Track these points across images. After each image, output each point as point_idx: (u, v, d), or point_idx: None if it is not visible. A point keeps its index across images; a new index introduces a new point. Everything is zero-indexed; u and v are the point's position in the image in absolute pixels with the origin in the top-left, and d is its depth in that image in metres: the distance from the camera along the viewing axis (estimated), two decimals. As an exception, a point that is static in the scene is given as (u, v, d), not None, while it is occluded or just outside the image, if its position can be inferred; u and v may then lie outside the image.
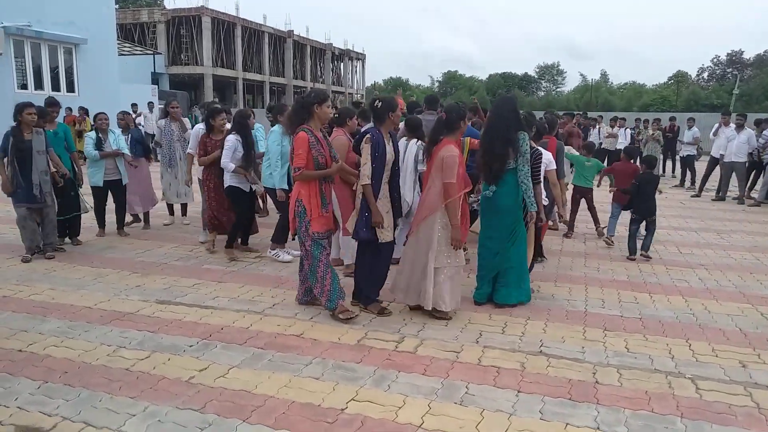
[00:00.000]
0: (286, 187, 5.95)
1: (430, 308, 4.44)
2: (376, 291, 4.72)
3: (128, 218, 7.76)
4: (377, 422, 3.03)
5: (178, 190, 7.78)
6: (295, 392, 3.32)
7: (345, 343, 4.04)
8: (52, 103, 6.79)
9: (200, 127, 6.76)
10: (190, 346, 3.93)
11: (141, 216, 7.89)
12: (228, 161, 6.00)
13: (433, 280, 4.38)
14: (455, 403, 3.23)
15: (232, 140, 6.05)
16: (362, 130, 5.42)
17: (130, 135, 7.56)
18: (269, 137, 6.17)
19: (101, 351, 3.83)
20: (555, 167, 5.98)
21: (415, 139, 5.70)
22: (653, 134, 14.45)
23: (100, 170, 7.02)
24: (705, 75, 71.39)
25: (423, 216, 4.45)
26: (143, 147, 7.68)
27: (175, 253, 6.45)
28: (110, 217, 7.37)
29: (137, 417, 3.03)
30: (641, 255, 6.56)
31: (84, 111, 15.17)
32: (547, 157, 5.68)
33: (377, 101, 4.56)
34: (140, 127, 9.28)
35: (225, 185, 6.18)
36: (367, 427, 2.98)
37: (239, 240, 6.53)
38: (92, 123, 9.44)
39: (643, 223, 6.73)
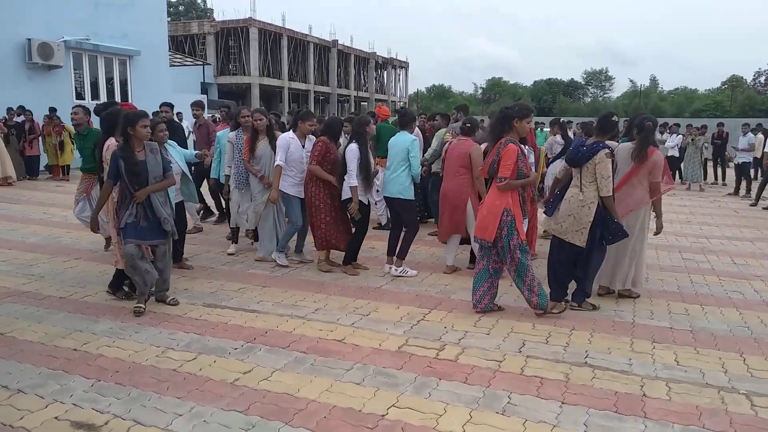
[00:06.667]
0: (411, 196, 5.87)
1: (629, 287, 5.25)
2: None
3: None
4: (417, 429, 3.02)
5: (248, 213, 6.54)
6: (336, 397, 3.35)
7: (386, 349, 4.05)
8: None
9: (290, 136, 6.06)
10: (235, 349, 4.02)
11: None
12: (353, 173, 5.63)
13: (635, 263, 5.15)
14: (497, 412, 3.20)
15: (354, 150, 5.66)
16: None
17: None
18: (402, 142, 5.83)
19: (150, 352, 3.96)
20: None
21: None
22: (693, 139, 13.90)
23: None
24: (762, 79, 68.60)
25: (629, 209, 5.02)
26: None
27: (222, 258, 6.59)
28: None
29: (184, 417, 3.12)
30: None
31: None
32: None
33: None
34: None
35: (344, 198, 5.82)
36: (407, 433, 2.98)
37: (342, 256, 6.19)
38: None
39: None
